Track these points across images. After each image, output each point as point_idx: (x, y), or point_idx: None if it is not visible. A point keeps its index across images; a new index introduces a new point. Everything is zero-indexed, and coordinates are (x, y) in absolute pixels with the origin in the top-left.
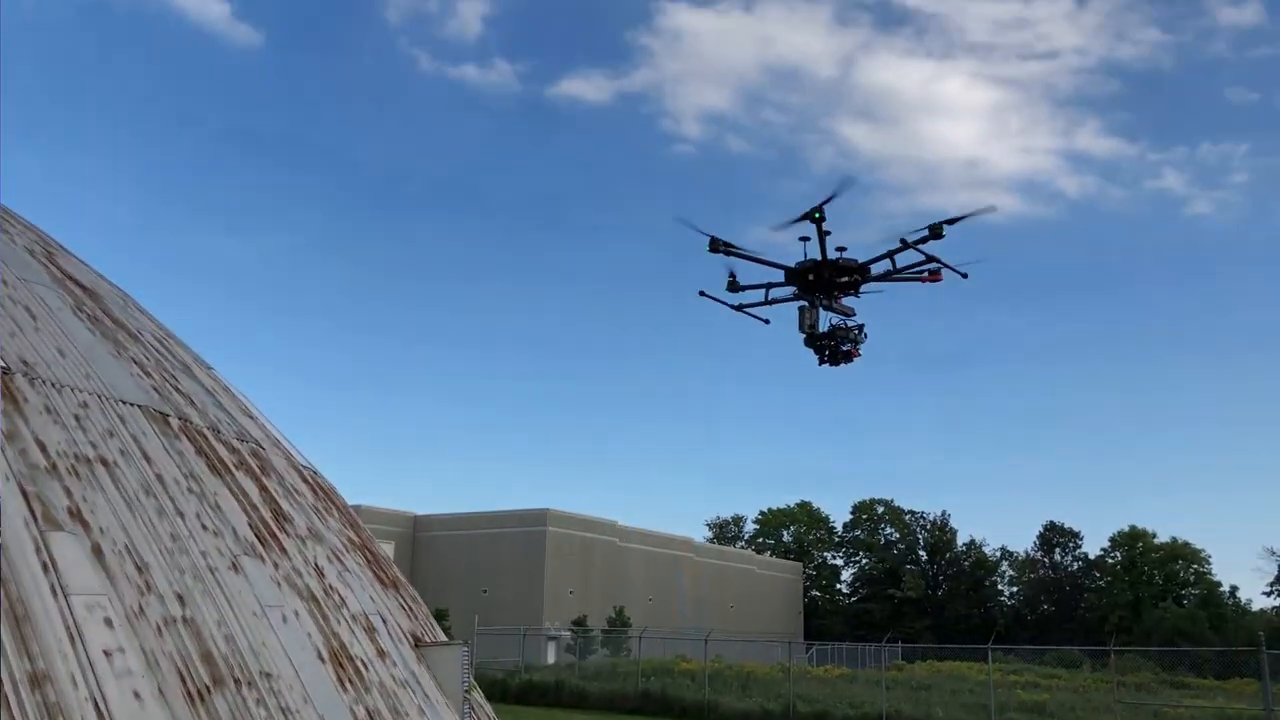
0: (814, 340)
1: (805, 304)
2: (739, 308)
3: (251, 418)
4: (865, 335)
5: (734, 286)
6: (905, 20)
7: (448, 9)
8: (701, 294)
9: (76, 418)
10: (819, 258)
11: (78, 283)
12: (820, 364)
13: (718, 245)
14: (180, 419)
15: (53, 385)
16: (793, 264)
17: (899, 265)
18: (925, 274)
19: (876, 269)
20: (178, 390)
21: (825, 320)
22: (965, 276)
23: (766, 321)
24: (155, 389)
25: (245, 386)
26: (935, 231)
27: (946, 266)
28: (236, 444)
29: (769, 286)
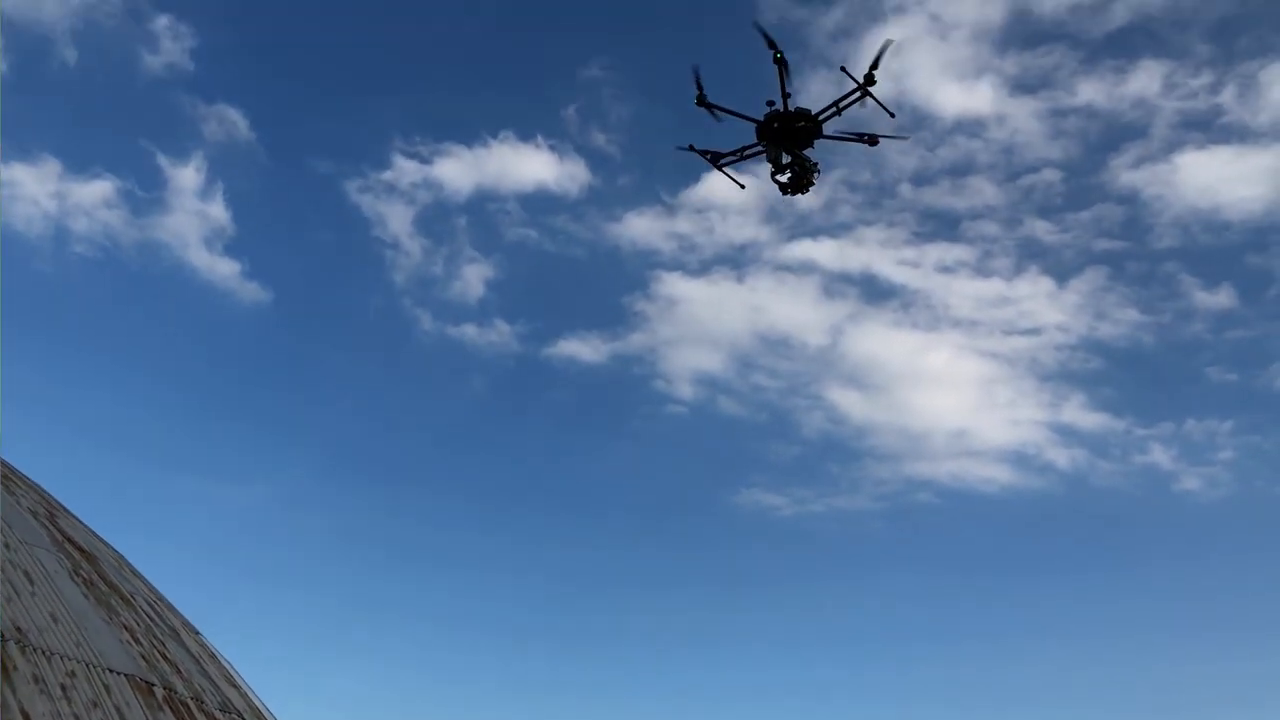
0: (779, 169)
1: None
2: (718, 165)
3: (235, 686)
4: (819, 168)
5: (704, 102)
6: (891, 294)
7: (453, 272)
8: (691, 148)
9: (63, 687)
10: (776, 104)
11: (77, 545)
12: (783, 194)
13: (703, 102)
14: (165, 688)
15: (43, 653)
16: (763, 115)
17: (842, 111)
18: (865, 138)
19: (827, 127)
20: (165, 658)
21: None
22: (907, 139)
23: (742, 186)
24: (143, 656)
25: (230, 645)
26: (868, 79)
27: (884, 136)
28: (219, 715)
29: (743, 149)
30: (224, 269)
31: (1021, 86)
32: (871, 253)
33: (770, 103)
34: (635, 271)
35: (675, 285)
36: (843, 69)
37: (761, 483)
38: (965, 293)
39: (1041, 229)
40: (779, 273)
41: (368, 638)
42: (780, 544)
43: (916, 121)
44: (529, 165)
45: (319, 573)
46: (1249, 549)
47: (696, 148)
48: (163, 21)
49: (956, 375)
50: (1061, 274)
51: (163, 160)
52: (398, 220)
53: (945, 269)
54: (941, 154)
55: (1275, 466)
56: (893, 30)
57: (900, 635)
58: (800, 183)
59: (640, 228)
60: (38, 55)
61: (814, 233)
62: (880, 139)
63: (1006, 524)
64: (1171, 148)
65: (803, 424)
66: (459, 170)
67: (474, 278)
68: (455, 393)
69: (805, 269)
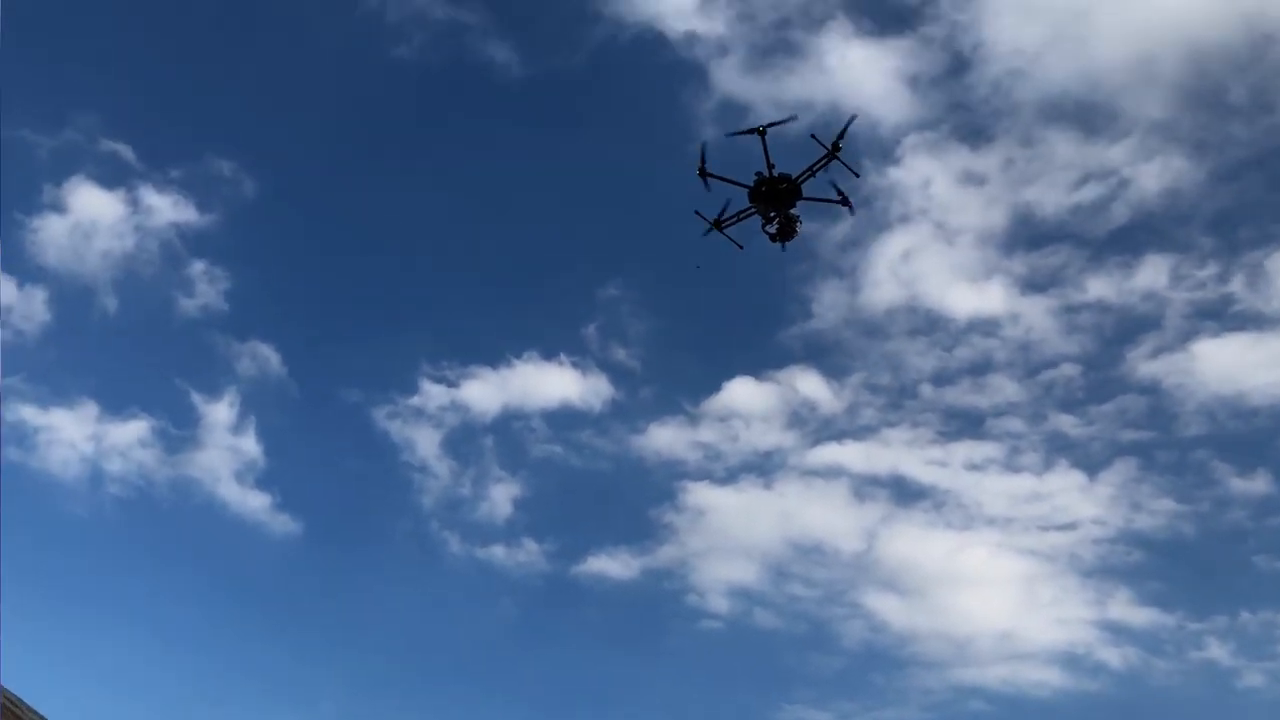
0: (768, 222)
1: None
2: (720, 228)
3: None
4: (800, 220)
5: (704, 173)
6: (922, 495)
7: (480, 493)
8: (696, 214)
9: None
10: (767, 172)
11: None
12: (772, 242)
13: (704, 173)
14: None
15: None
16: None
17: (815, 173)
18: (839, 198)
19: (806, 188)
20: None
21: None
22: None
23: (740, 247)
24: None
25: None
26: (835, 147)
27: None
28: None
29: (740, 212)
30: (255, 502)
31: (1032, 285)
32: (898, 454)
33: (758, 173)
34: (662, 483)
35: (703, 495)
36: (813, 136)
37: (804, 698)
38: (996, 490)
39: (1066, 423)
40: (807, 478)
41: None
42: None
43: (931, 324)
44: (553, 383)
45: None
46: None
47: (701, 214)
48: (199, 266)
49: (996, 575)
50: (1091, 467)
51: (196, 398)
52: (425, 444)
53: (974, 467)
54: (959, 354)
55: None
56: (900, 239)
57: None
58: (786, 232)
59: (664, 439)
60: (80, 304)
61: (839, 436)
62: (851, 201)
63: None
64: (1187, 337)
65: (842, 634)
66: (485, 391)
67: (501, 497)
68: (485, 616)
69: (833, 473)
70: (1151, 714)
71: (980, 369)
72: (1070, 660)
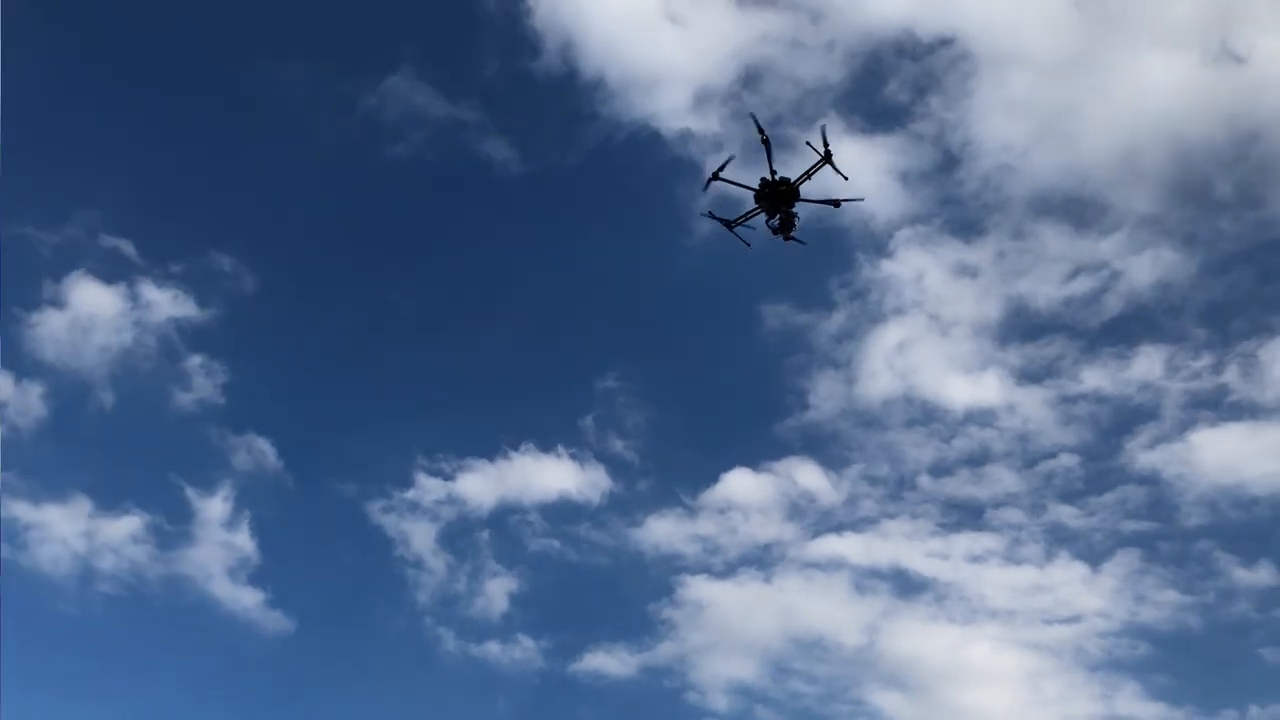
0: (773, 216)
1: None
2: (730, 227)
3: None
4: (799, 216)
5: (716, 177)
6: (924, 587)
7: (476, 588)
8: (710, 214)
9: None
10: (770, 176)
11: None
12: (774, 235)
13: (716, 177)
14: None
15: None
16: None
17: (811, 176)
18: (831, 202)
19: (804, 190)
20: None
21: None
22: (862, 200)
23: (748, 245)
24: None
25: None
26: (827, 154)
27: (845, 200)
28: None
29: (747, 213)
30: (247, 599)
31: (1027, 376)
32: (899, 546)
33: (763, 178)
34: (660, 577)
35: (702, 589)
36: (808, 144)
37: None
38: (998, 582)
39: (1067, 514)
40: (807, 571)
41: None
42: None
43: (928, 415)
44: (550, 475)
45: None
46: None
47: (715, 215)
48: (196, 360)
49: (1000, 670)
50: (1093, 558)
51: (191, 493)
52: (421, 538)
53: (975, 559)
54: (957, 445)
55: None
56: (895, 330)
57: None
58: (787, 226)
59: (662, 531)
60: (77, 399)
61: (838, 528)
62: (842, 202)
63: None
64: (1184, 427)
65: None
66: (481, 484)
67: (497, 592)
68: (480, 716)
69: (833, 565)
70: None
71: (978, 460)
72: None
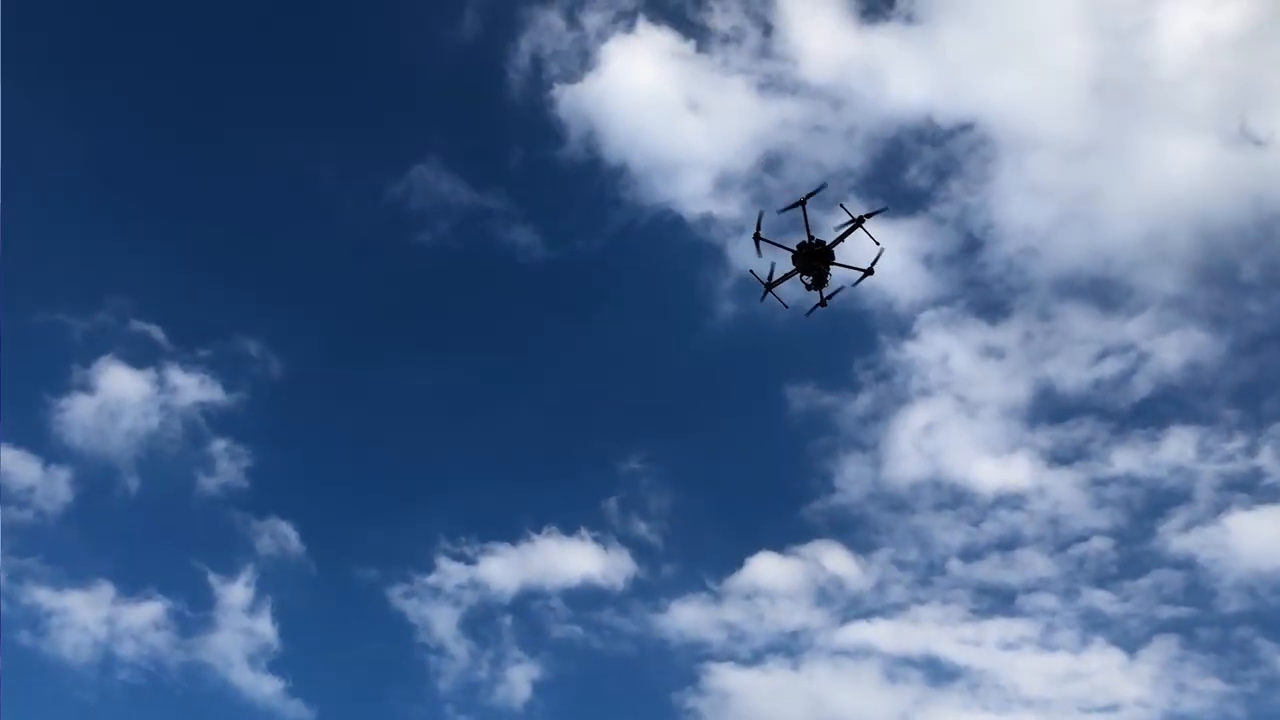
0: (807, 274)
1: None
2: (769, 288)
3: None
4: (831, 274)
5: (759, 238)
6: (956, 675)
7: (498, 675)
8: (751, 273)
9: None
10: (809, 240)
11: None
12: (808, 290)
13: (758, 237)
14: None
15: None
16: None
17: (844, 238)
18: (868, 270)
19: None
20: None
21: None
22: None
23: (786, 306)
24: None
25: None
26: (860, 218)
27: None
28: None
29: (786, 274)
30: (267, 688)
31: (1057, 459)
32: (930, 633)
33: (800, 241)
34: (685, 665)
35: (728, 677)
36: (842, 206)
37: None
38: (1033, 669)
39: (1101, 599)
40: (836, 658)
41: None
42: None
43: (956, 498)
44: (573, 559)
45: None
46: None
47: (755, 274)
48: (221, 444)
49: None
50: (1130, 645)
51: (213, 579)
52: (443, 624)
53: (1008, 646)
54: (987, 529)
55: None
56: (921, 412)
57: None
58: (820, 282)
59: (687, 618)
60: (103, 484)
61: (868, 614)
62: (873, 270)
63: None
64: (1218, 510)
65: None
66: (504, 568)
67: (519, 680)
68: None
69: (863, 653)
70: None
71: (1009, 544)
72: None
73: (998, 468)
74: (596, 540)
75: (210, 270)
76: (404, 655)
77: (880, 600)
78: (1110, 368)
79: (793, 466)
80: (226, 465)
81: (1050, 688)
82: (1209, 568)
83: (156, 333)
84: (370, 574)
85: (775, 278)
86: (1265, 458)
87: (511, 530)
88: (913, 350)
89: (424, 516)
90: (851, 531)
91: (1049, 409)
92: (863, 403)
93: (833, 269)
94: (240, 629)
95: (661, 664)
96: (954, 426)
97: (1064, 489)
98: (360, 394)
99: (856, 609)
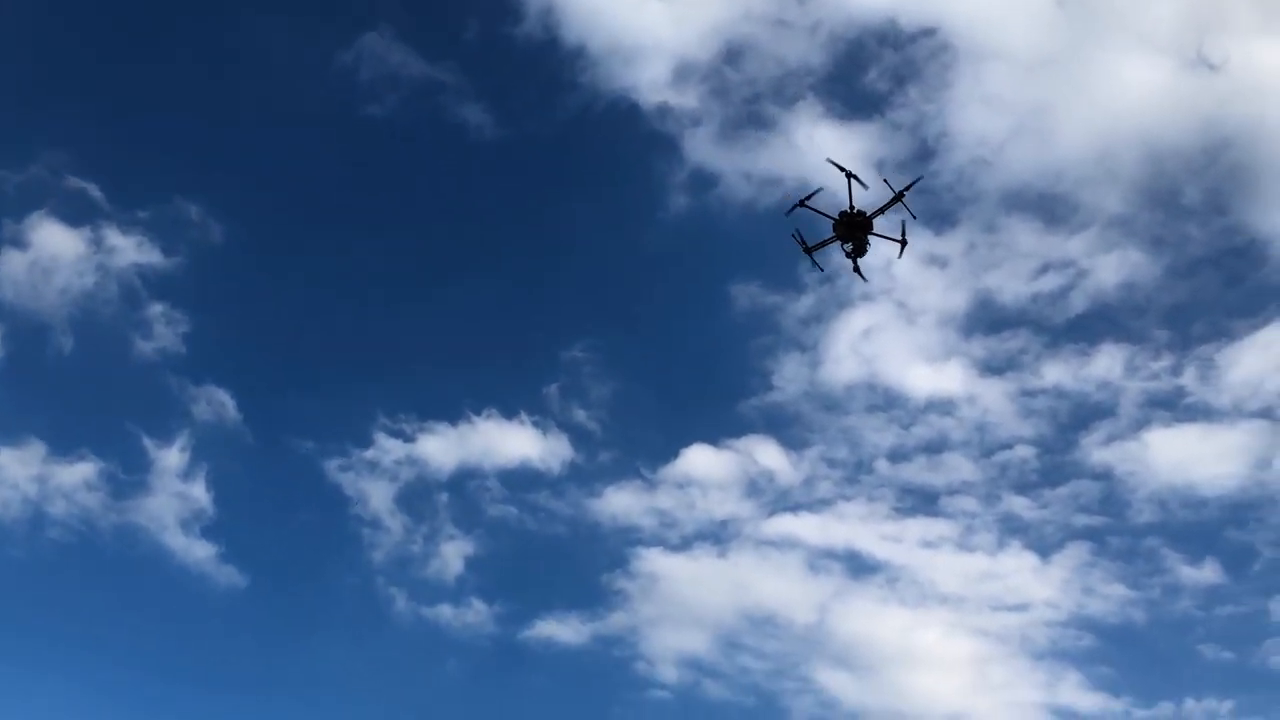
0: (847, 241)
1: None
2: (809, 251)
3: None
4: (869, 243)
5: (803, 204)
6: (876, 570)
7: (432, 551)
8: (793, 236)
9: None
10: (849, 210)
11: None
12: (848, 257)
13: (803, 204)
14: None
15: None
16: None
17: (885, 211)
18: (900, 241)
19: (876, 223)
20: None
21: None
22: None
23: (822, 269)
24: None
25: None
26: (902, 191)
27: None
28: None
29: (825, 240)
30: (200, 552)
31: (989, 368)
32: (853, 528)
33: (841, 210)
34: (616, 548)
35: (657, 562)
36: (885, 181)
37: None
38: (950, 568)
39: (1020, 505)
40: (762, 548)
41: None
42: None
43: (888, 401)
44: (512, 442)
45: None
46: None
47: (797, 237)
48: (158, 309)
49: (948, 655)
50: (1044, 549)
51: (148, 443)
52: (379, 498)
53: (928, 544)
54: (916, 432)
55: None
56: (862, 316)
57: None
58: (859, 251)
59: (621, 503)
60: (35, 342)
61: (795, 508)
62: (906, 242)
63: None
64: (1139, 426)
65: (792, 709)
66: (442, 447)
67: (453, 556)
68: (429, 677)
69: (788, 544)
70: None
71: (936, 448)
72: None
73: (931, 374)
74: (536, 425)
75: (152, 131)
76: (338, 527)
77: (808, 495)
78: (1049, 283)
79: (733, 362)
80: (163, 330)
81: (965, 586)
82: (1125, 480)
83: (94, 191)
84: (307, 446)
85: (815, 244)
86: (1189, 378)
87: (451, 410)
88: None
89: (363, 392)
90: (785, 428)
91: (986, 320)
92: (805, 304)
93: (870, 237)
94: (174, 493)
95: (593, 546)
96: (892, 332)
97: (993, 398)
98: (303, 265)
99: (784, 502)
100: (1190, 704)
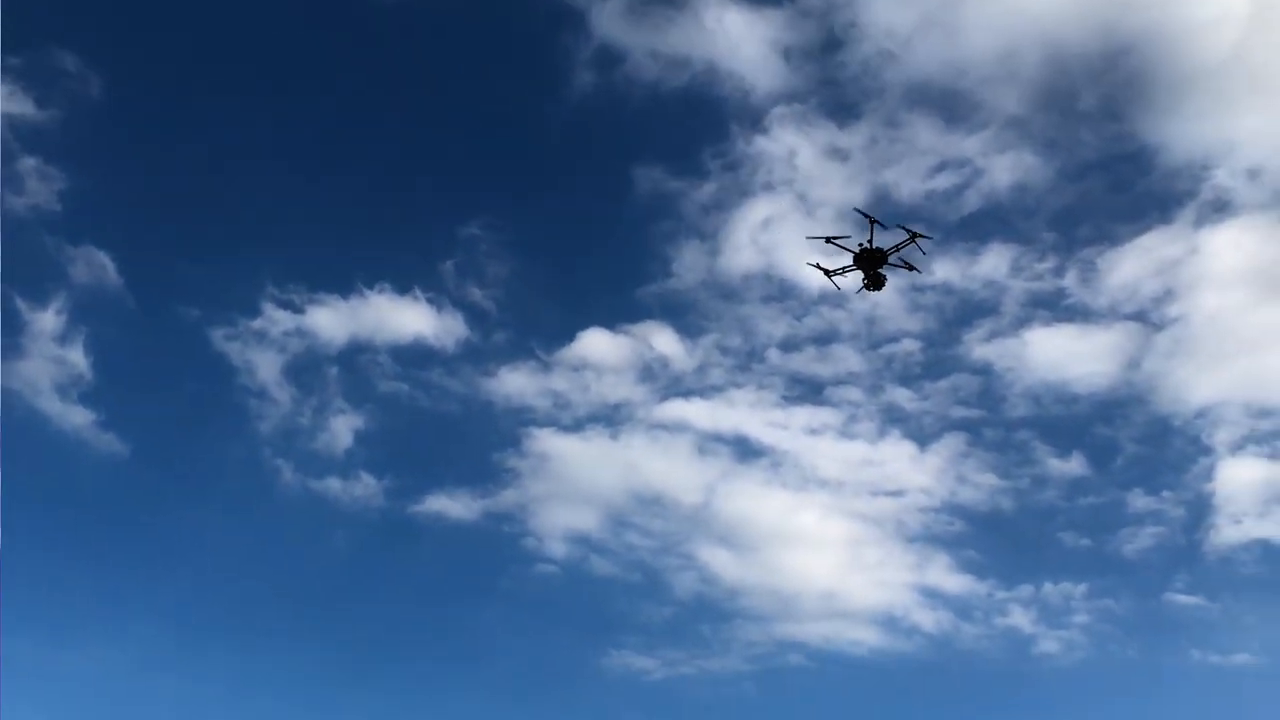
0: (865, 274)
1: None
2: (829, 275)
3: None
4: (887, 277)
5: (830, 272)
6: (761, 454)
7: (320, 424)
8: (816, 265)
9: None
10: (867, 244)
11: None
12: (866, 289)
13: (831, 240)
14: None
15: None
16: (856, 248)
17: (900, 250)
18: (910, 266)
19: (891, 256)
20: None
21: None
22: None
23: (839, 288)
24: None
25: None
26: (911, 235)
27: (910, 267)
28: None
29: (844, 267)
30: (78, 419)
31: None
32: (742, 414)
33: (860, 244)
34: (508, 428)
35: (549, 442)
36: (900, 226)
37: (633, 645)
38: (832, 454)
39: (902, 396)
40: (653, 431)
41: None
42: (650, 708)
43: (783, 292)
44: (405, 317)
45: None
46: (1103, 712)
47: (820, 266)
48: (30, 163)
49: (825, 535)
50: (922, 439)
51: (21, 304)
52: (266, 369)
53: (812, 431)
54: (808, 323)
55: (1126, 629)
56: (763, 207)
57: None
58: (876, 284)
59: (515, 384)
60: None
61: (687, 393)
62: (917, 268)
63: (875, 687)
64: (1021, 324)
65: (675, 584)
66: (333, 320)
67: (342, 429)
68: (317, 549)
69: (679, 428)
70: (957, 674)
71: (826, 339)
72: (888, 621)
73: (826, 267)
74: (430, 301)
75: None
76: (224, 397)
77: (700, 381)
78: (945, 181)
79: (632, 248)
80: (37, 185)
81: (845, 471)
82: (1003, 375)
83: None
84: (192, 313)
85: (836, 269)
86: (1070, 280)
87: (342, 283)
88: (762, 144)
89: (251, 259)
90: (682, 315)
91: (882, 214)
92: (708, 191)
93: (884, 268)
94: (50, 358)
95: (485, 425)
96: (791, 223)
97: (883, 293)
98: (189, 124)
99: (677, 388)
100: (1048, 587)
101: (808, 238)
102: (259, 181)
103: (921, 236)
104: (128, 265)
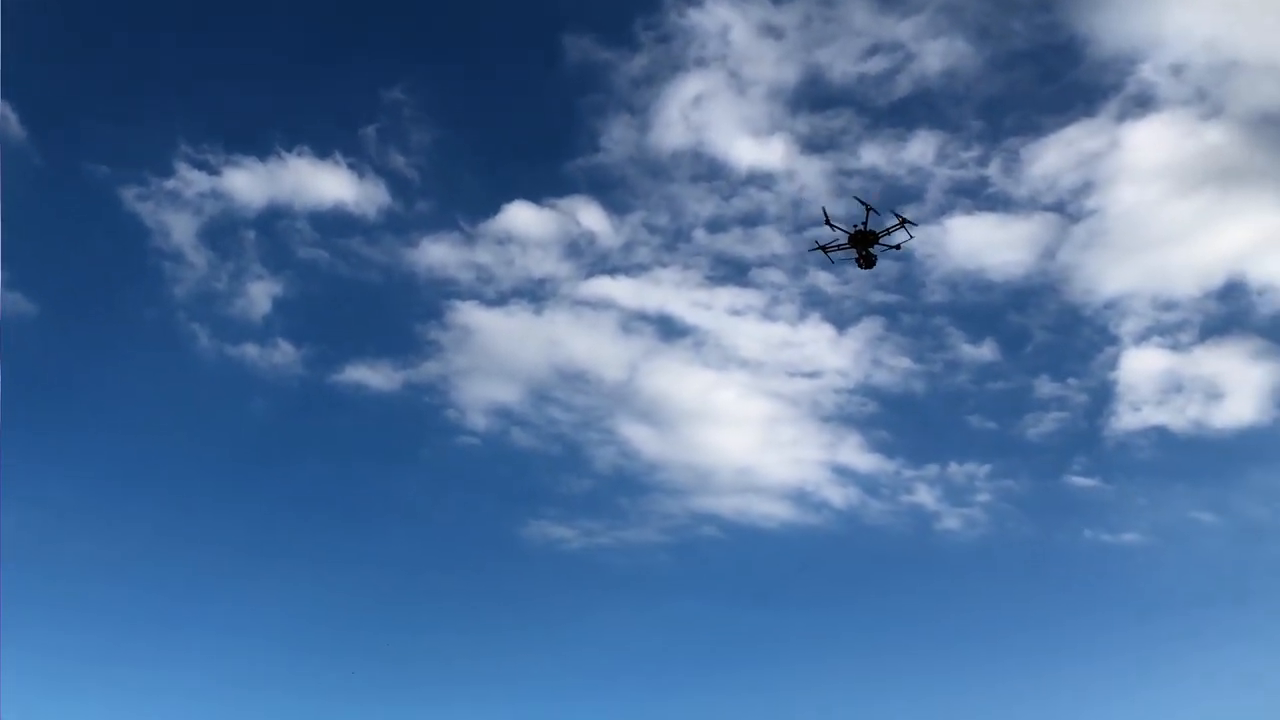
0: (859, 252)
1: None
2: (825, 251)
3: None
4: (878, 256)
5: (826, 249)
6: (685, 333)
7: (237, 289)
8: (816, 244)
9: None
10: (862, 226)
11: None
12: (858, 266)
13: (828, 221)
14: None
15: None
16: (851, 230)
17: (891, 232)
18: (897, 245)
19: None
20: None
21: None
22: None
23: (833, 262)
24: None
25: None
26: (901, 220)
27: (897, 246)
28: None
29: (840, 245)
30: None
31: (811, 146)
32: (666, 293)
33: (855, 226)
34: (431, 299)
35: (472, 315)
36: (892, 211)
37: (552, 515)
38: (753, 335)
39: (824, 279)
40: (577, 308)
41: (137, 672)
42: (568, 576)
43: (712, 171)
44: (325, 183)
45: (80, 607)
46: (999, 587)
47: (819, 244)
48: None
49: (743, 414)
50: (841, 322)
51: None
52: (180, 231)
53: (735, 312)
54: (735, 204)
55: (1025, 509)
56: (694, 83)
57: (684, 666)
58: (869, 262)
59: (437, 255)
60: None
61: (613, 271)
62: (903, 246)
63: (785, 559)
64: (943, 212)
65: (595, 458)
66: (250, 182)
67: (260, 295)
68: (234, 415)
69: (603, 305)
70: (863, 549)
71: (753, 220)
72: (799, 496)
73: (755, 147)
74: (351, 167)
75: None
76: (137, 259)
77: (626, 259)
78: (877, 65)
79: (560, 119)
80: None
81: (765, 352)
82: (923, 262)
83: None
84: (101, 171)
85: (833, 247)
86: (994, 169)
87: (260, 144)
88: (695, 17)
89: (164, 116)
90: (609, 191)
91: (813, 97)
92: (639, 64)
93: (875, 247)
94: None
95: (407, 296)
96: (722, 101)
97: (812, 175)
98: None
99: (603, 265)
100: (954, 467)
101: (826, 221)
102: (170, 31)
103: (909, 223)
104: (33, 118)
